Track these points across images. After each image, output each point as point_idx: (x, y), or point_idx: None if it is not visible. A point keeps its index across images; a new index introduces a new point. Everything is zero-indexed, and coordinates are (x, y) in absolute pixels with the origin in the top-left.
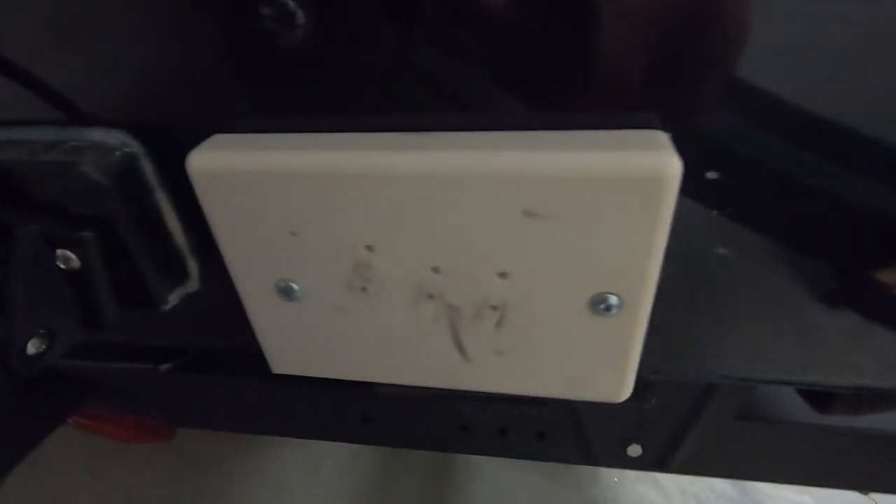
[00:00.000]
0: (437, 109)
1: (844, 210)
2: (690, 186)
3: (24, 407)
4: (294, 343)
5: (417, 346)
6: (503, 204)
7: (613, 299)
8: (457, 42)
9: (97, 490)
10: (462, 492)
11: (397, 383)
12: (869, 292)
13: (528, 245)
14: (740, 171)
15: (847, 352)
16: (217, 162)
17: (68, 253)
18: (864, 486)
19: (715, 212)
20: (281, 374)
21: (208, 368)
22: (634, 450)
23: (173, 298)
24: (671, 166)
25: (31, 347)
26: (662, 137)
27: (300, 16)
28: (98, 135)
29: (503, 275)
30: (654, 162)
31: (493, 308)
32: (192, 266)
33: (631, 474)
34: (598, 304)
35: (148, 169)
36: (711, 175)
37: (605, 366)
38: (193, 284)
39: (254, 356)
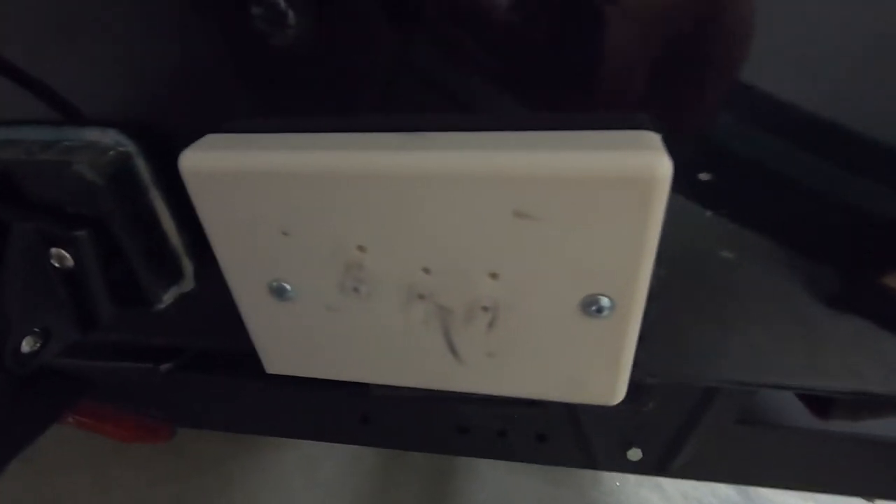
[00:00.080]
0: (429, 109)
1: (848, 213)
2: (690, 187)
3: (17, 405)
4: (287, 343)
5: (410, 347)
6: (493, 204)
7: (605, 301)
8: (455, 43)
9: (97, 489)
10: (462, 494)
11: (390, 384)
12: (873, 296)
13: (518, 246)
14: (741, 172)
15: (850, 356)
16: (209, 161)
17: (62, 252)
18: (867, 493)
19: (715, 213)
20: (280, 375)
21: (208, 368)
22: (635, 453)
23: (167, 298)
24: (661, 167)
25: (26, 346)
26: (653, 138)
27: (291, 16)
28: (93, 134)
29: (494, 276)
30: (645, 162)
31: (485, 309)
32: (187, 265)
33: (633, 478)
34: (590, 306)
35: (142, 168)
36: (712, 176)
37: (598, 368)
38: (188, 284)
39: (252, 356)
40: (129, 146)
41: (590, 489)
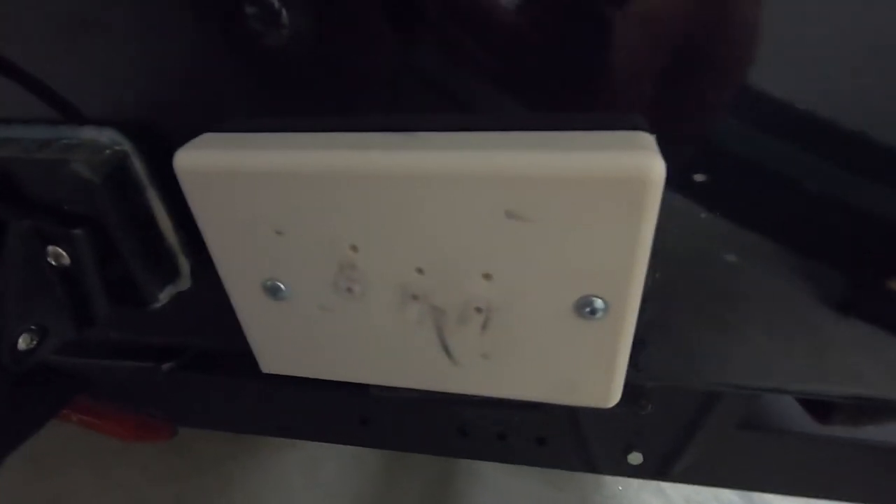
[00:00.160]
0: (425, 109)
1: (854, 216)
2: (693, 189)
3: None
4: (282, 343)
5: (404, 347)
6: (484, 205)
7: (599, 303)
8: (456, 45)
9: (99, 487)
10: (463, 497)
11: (386, 385)
12: (880, 301)
13: (511, 247)
14: (745, 174)
15: (856, 361)
16: (203, 160)
17: (59, 250)
18: (870, 499)
19: (719, 216)
20: (279, 375)
21: (208, 368)
22: (635, 457)
23: (163, 297)
24: (655, 168)
25: (22, 343)
26: (647, 139)
27: (285, 15)
28: (89, 133)
29: (487, 277)
30: (637, 163)
31: (478, 310)
32: (184, 264)
33: (635, 483)
34: (584, 308)
35: (139, 167)
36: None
37: (593, 370)
38: (185, 283)
39: (251, 356)
40: (125, 145)
41: (592, 493)
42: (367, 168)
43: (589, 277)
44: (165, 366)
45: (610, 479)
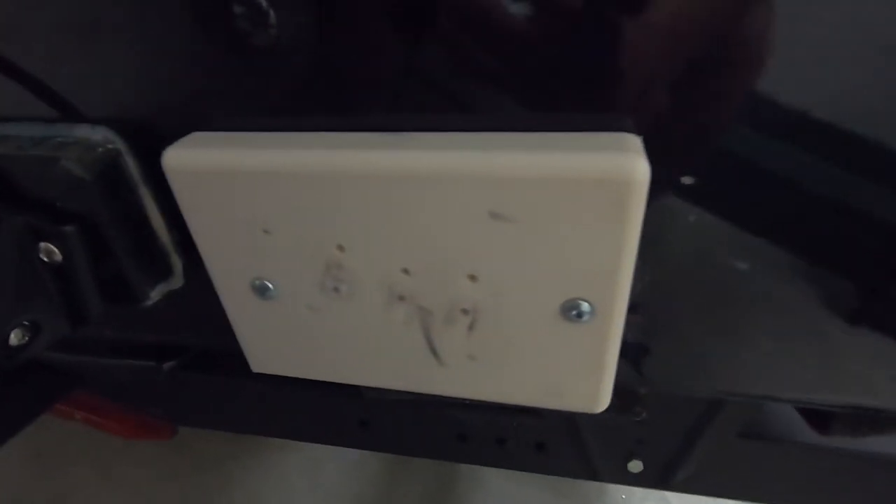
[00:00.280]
0: (414, 110)
1: (868, 223)
2: (698, 195)
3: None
4: (271, 342)
5: (392, 348)
6: (468, 205)
7: (585, 306)
8: (450, 47)
9: (102, 485)
10: (464, 502)
11: (374, 386)
12: (892, 310)
13: (496, 248)
14: (753, 180)
15: (866, 372)
16: (191, 159)
17: (51, 247)
18: None
19: (725, 221)
20: (279, 376)
21: (208, 368)
22: (635, 465)
23: (155, 295)
24: (639, 169)
25: (14, 338)
26: (633, 140)
27: (272, 16)
28: (83, 131)
29: (473, 278)
30: (621, 164)
31: (465, 312)
32: (176, 263)
33: (639, 492)
34: (570, 311)
35: (131, 166)
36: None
37: (580, 374)
38: (177, 281)
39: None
40: (118, 143)
41: (595, 501)
42: (352, 168)
43: (574, 280)
44: (166, 365)
45: (613, 488)
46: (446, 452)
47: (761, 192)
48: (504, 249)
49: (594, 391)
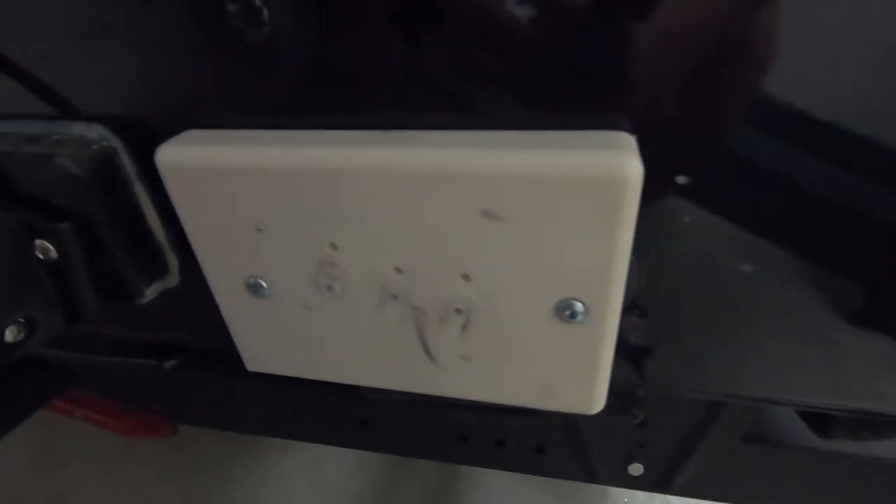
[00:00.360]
0: (409, 108)
1: (874, 223)
2: (701, 196)
3: None
4: (266, 341)
5: (386, 348)
6: (461, 204)
7: (579, 306)
8: (449, 46)
9: (103, 482)
10: (465, 503)
11: (368, 386)
12: None
13: (488, 247)
14: (758, 182)
15: (874, 376)
16: (184, 156)
17: (46, 244)
18: None
19: (732, 223)
20: (279, 376)
21: (209, 367)
22: (636, 468)
23: (151, 292)
24: (631, 168)
25: (10, 335)
26: (627, 139)
27: (265, 13)
28: (78, 129)
29: (466, 277)
30: (614, 163)
31: (458, 311)
32: (172, 261)
33: (641, 495)
34: (564, 311)
35: (127, 163)
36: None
37: (574, 375)
38: (173, 279)
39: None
40: (114, 141)
41: (597, 503)
42: (344, 165)
43: (568, 280)
44: (168, 364)
45: (615, 491)
46: (446, 453)
47: (763, 193)
48: (497, 249)
49: (589, 392)
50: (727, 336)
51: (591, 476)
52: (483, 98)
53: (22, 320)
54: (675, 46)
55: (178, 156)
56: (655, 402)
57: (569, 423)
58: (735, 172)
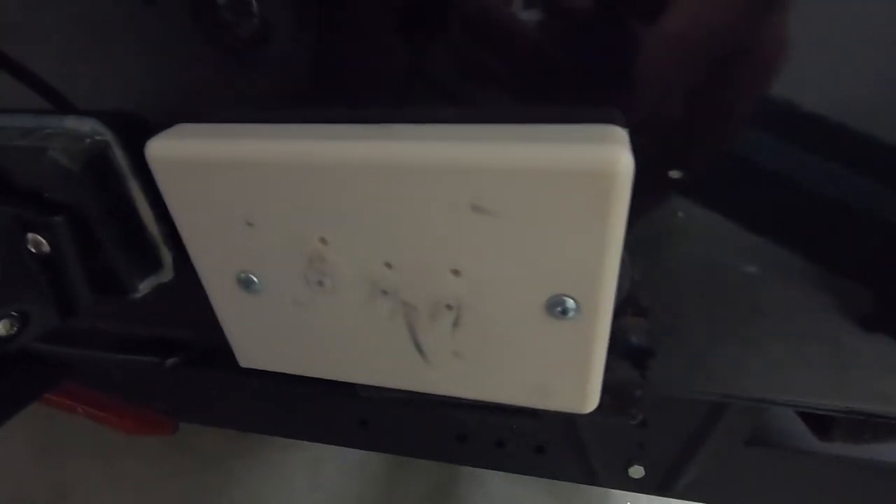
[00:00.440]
0: (401, 102)
1: (880, 226)
2: (705, 196)
3: None
4: (258, 337)
5: (377, 344)
6: (450, 198)
7: (570, 303)
8: (448, 45)
9: (103, 479)
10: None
11: (360, 383)
12: None
13: (478, 242)
14: (763, 182)
15: (879, 378)
16: (174, 149)
17: (39, 237)
18: None
19: (737, 224)
20: (279, 374)
21: (210, 364)
22: (636, 471)
23: (144, 287)
24: (622, 161)
25: (2, 329)
26: (619, 133)
27: (255, 5)
28: (71, 123)
29: (456, 272)
30: (603, 156)
31: (449, 307)
32: (166, 256)
33: (643, 498)
34: (555, 307)
35: (119, 157)
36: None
37: (566, 373)
38: (167, 274)
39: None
40: (106, 135)
41: None
42: (333, 158)
43: (558, 275)
44: (169, 361)
45: (617, 493)
46: (446, 453)
47: (765, 192)
48: (486, 243)
49: (581, 390)
50: (728, 336)
51: (591, 478)
52: (475, 93)
53: (15, 314)
54: (679, 48)
55: (167, 149)
56: (655, 403)
57: (568, 424)
58: (737, 171)
